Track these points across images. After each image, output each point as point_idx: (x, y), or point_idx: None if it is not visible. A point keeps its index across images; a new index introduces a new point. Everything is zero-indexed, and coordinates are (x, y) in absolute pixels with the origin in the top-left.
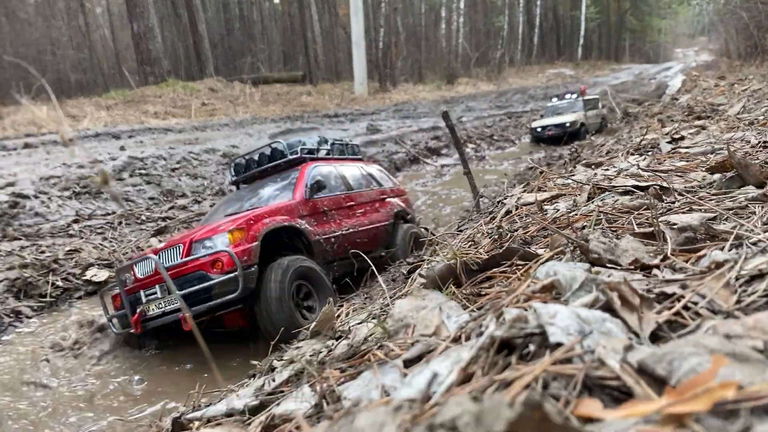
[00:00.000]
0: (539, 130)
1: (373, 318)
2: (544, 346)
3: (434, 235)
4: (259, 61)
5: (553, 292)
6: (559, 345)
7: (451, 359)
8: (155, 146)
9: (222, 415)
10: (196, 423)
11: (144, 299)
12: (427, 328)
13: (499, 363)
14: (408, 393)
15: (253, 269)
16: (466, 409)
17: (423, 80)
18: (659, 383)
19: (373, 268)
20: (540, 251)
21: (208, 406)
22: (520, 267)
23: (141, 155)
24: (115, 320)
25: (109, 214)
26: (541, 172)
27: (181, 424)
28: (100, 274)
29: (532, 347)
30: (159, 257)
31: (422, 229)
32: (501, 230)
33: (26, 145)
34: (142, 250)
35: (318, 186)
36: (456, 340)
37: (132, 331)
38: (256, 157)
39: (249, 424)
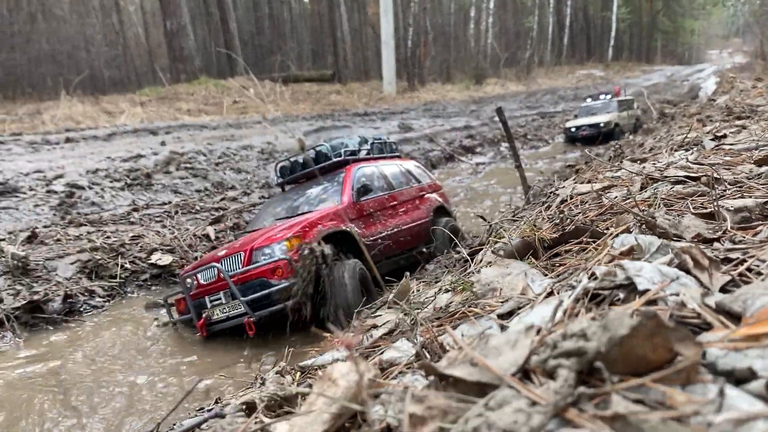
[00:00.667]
0: (573, 130)
1: (457, 285)
2: (631, 294)
3: (488, 222)
4: (288, 60)
5: (630, 257)
6: (645, 292)
7: (551, 306)
8: (193, 142)
9: (329, 364)
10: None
11: (209, 304)
12: (513, 290)
13: (593, 309)
14: (522, 326)
15: (311, 274)
16: (592, 323)
17: (451, 80)
18: (735, 319)
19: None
20: (606, 232)
21: (309, 359)
22: (591, 242)
23: (181, 150)
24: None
25: (165, 204)
26: (586, 163)
27: (302, 368)
28: (164, 258)
29: (621, 295)
30: (221, 264)
31: (459, 223)
32: (563, 215)
33: (68, 140)
34: (200, 237)
35: (364, 189)
36: (545, 298)
37: (197, 334)
38: (301, 160)
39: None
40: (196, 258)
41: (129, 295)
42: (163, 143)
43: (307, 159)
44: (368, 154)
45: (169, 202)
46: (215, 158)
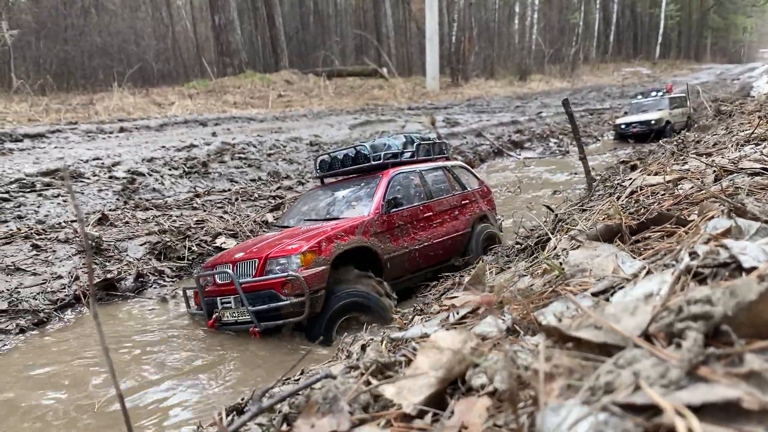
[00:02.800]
0: (624, 126)
1: (540, 266)
2: (735, 272)
3: (553, 211)
4: (332, 55)
5: (726, 239)
6: (751, 270)
7: (656, 281)
8: (243, 134)
9: (418, 337)
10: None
11: (220, 306)
12: (604, 271)
13: (691, 285)
14: (629, 298)
15: (320, 293)
16: (716, 289)
17: (494, 76)
18: None
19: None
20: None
21: (398, 332)
22: (676, 229)
23: (232, 141)
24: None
25: (225, 191)
26: (639, 159)
27: (393, 340)
28: (228, 242)
29: (726, 273)
30: (236, 269)
31: (498, 229)
32: (639, 203)
33: (122, 129)
34: (260, 223)
35: (395, 202)
36: (638, 276)
37: (209, 328)
38: (340, 157)
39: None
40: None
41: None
42: (214, 134)
43: (346, 157)
44: (413, 156)
45: (228, 190)
46: (266, 149)
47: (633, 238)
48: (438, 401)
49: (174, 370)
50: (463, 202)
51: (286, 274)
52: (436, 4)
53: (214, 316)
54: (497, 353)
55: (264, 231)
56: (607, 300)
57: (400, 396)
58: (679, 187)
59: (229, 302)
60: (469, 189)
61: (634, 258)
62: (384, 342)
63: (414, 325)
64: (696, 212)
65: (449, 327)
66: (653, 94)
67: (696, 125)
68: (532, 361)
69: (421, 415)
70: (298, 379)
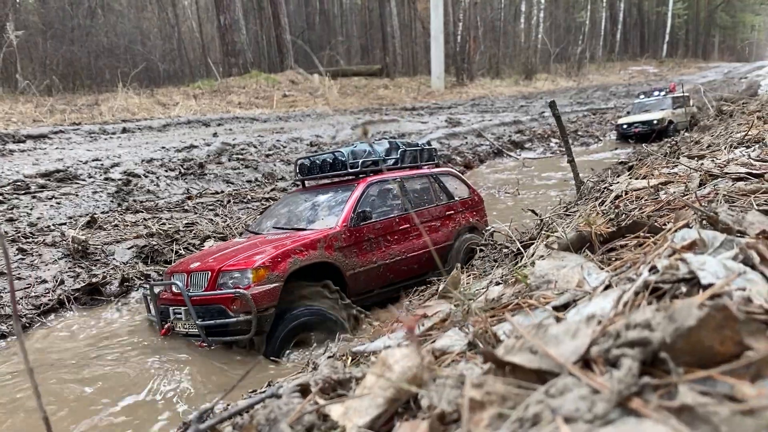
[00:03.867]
0: (625, 126)
1: (509, 277)
2: (694, 288)
3: (537, 215)
4: (337, 54)
5: (692, 252)
6: (709, 287)
7: (610, 299)
8: (244, 134)
9: (380, 350)
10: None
11: (172, 315)
12: (569, 283)
13: (653, 302)
14: (580, 317)
15: (270, 311)
16: (657, 313)
17: (500, 75)
18: None
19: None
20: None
21: (361, 345)
22: (649, 237)
23: (233, 141)
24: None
25: (217, 193)
26: (639, 159)
27: (354, 354)
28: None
29: (683, 289)
30: (190, 279)
31: (486, 240)
32: (618, 210)
33: (124, 130)
34: (248, 226)
35: (365, 215)
36: (603, 290)
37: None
38: (319, 162)
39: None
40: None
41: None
42: (215, 134)
43: (324, 162)
44: (396, 163)
45: (222, 192)
46: (265, 150)
47: (607, 246)
48: (386, 423)
49: (124, 381)
50: (447, 212)
51: (234, 290)
52: (442, 3)
53: (166, 325)
54: (449, 372)
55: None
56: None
57: (346, 417)
58: (662, 192)
59: (180, 313)
60: (456, 198)
61: (601, 269)
62: (345, 356)
63: (380, 338)
64: (674, 220)
65: (414, 340)
66: (656, 93)
67: (697, 125)
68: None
69: None
70: (254, 391)
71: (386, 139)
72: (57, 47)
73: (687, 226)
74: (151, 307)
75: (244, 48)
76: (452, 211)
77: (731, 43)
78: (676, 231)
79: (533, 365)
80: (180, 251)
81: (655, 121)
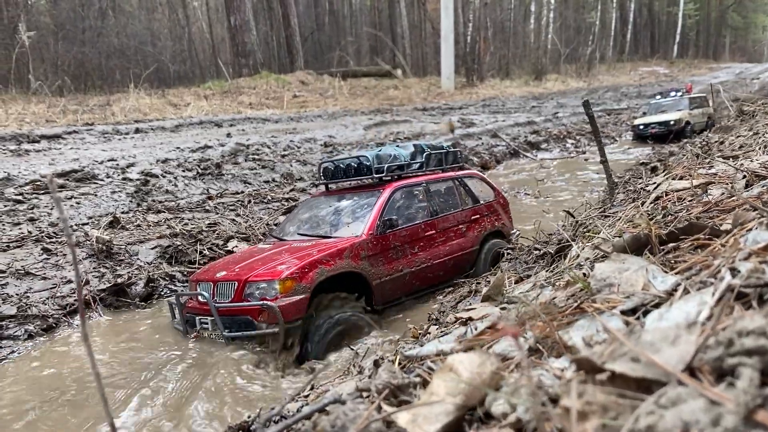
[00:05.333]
0: (642, 127)
1: (556, 284)
2: None
3: (573, 216)
4: (347, 55)
5: (767, 255)
6: None
7: (695, 302)
8: (257, 134)
9: (433, 354)
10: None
11: (198, 325)
12: (632, 287)
13: (736, 308)
14: (666, 324)
15: (298, 323)
16: None
17: (510, 76)
18: None
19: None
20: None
21: (412, 349)
22: (710, 240)
23: (247, 142)
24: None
25: (237, 193)
26: (659, 161)
27: (407, 357)
28: (240, 246)
29: None
30: (216, 288)
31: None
32: (665, 210)
33: (137, 130)
34: (273, 226)
35: (391, 223)
36: (672, 294)
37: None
38: (343, 166)
39: None
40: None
41: None
42: (228, 135)
43: (349, 167)
44: (421, 166)
45: (241, 192)
46: (280, 150)
47: (663, 249)
48: (456, 430)
49: (169, 385)
50: (473, 217)
51: (262, 302)
52: (452, 4)
53: (193, 335)
54: (519, 378)
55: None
56: (638, 319)
57: (415, 424)
58: (707, 193)
59: (207, 323)
60: (482, 202)
61: (666, 273)
62: (397, 360)
63: (429, 341)
64: (728, 221)
65: (467, 344)
66: (672, 94)
67: (717, 126)
68: (559, 391)
69: None
70: (308, 395)
71: (411, 142)
72: (68, 48)
73: (750, 228)
74: (177, 315)
75: (255, 49)
76: (478, 215)
77: (742, 43)
78: (746, 232)
79: (637, 374)
80: (204, 251)
81: (672, 122)
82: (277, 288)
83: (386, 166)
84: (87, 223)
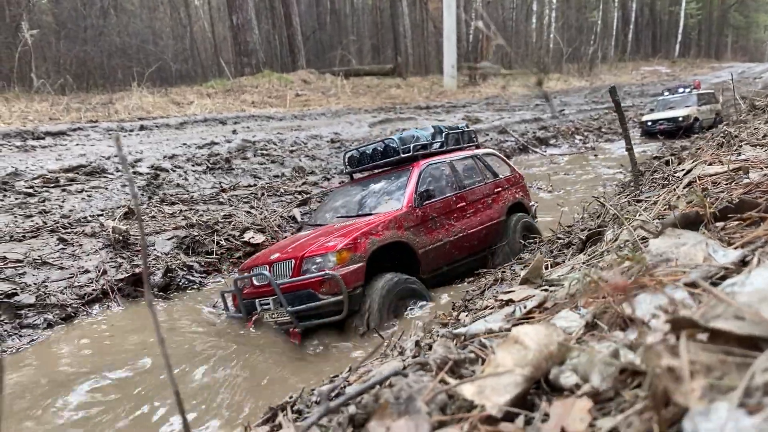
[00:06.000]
0: (650, 124)
1: (617, 256)
2: None
3: (604, 204)
4: (349, 54)
5: None
6: None
7: None
8: (263, 132)
9: (482, 333)
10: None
11: (258, 308)
12: (692, 260)
13: None
14: (751, 288)
15: (358, 291)
16: None
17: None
18: None
19: None
20: None
21: (460, 327)
22: (759, 219)
23: (253, 138)
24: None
25: (250, 186)
26: (672, 154)
27: (456, 335)
28: (257, 237)
29: None
30: (273, 269)
31: (533, 216)
32: (706, 192)
33: (142, 127)
34: (287, 218)
35: (427, 194)
36: (738, 266)
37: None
38: (369, 152)
39: None
40: (285, 238)
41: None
42: (234, 132)
43: (375, 151)
44: (442, 146)
45: (254, 185)
46: (288, 146)
47: (716, 226)
48: (523, 402)
49: (206, 366)
50: (495, 190)
51: (323, 273)
52: (454, 2)
53: (253, 318)
54: (588, 349)
55: (291, 227)
56: (704, 291)
57: (483, 396)
58: (747, 175)
59: (268, 303)
60: (501, 176)
61: (726, 247)
62: (447, 338)
63: (475, 321)
64: None
65: (516, 322)
66: (680, 90)
67: (727, 121)
68: (638, 359)
69: (508, 417)
70: (347, 377)
71: (430, 124)
72: (70, 47)
73: None
74: (229, 303)
75: (257, 48)
76: (500, 189)
77: (744, 43)
78: None
79: (743, 331)
80: (221, 242)
81: (680, 118)
82: (333, 260)
83: (411, 145)
84: (101, 215)
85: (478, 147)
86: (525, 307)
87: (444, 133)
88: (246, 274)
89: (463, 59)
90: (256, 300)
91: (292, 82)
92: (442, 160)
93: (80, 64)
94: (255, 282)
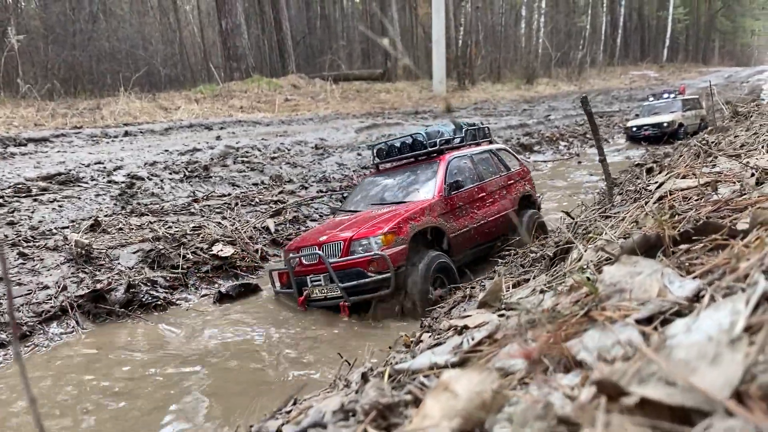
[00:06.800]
0: (635, 129)
1: (558, 288)
2: None
3: (572, 217)
4: (339, 59)
5: None
6: None
7: (726, 311)
8: (248, 137)
9: (426, 368)
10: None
11: (309, 284)
12: (646, 293)
13: None
14: (696, 338)
15: (402, 269)
16: None
17: (501, 79)
18: None
19: None
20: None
21: (403, 362)
22: (727, 241)
23: (236, 145)
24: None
25: (224, 196)
26: (655, 162)
27: (397, 371)
28: (226, 250)
29: None
30: (322, 250)
31: (538, 207)
32: (673, 210)
33: (126, 133)
34: (260, 229)
35: (456, 185)
36: (692, 302)
37: (298, 307)
38: (397, 145)
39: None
40: (256, 251)
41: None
42: (218, 138)
43: (403, 145)
44: (462, 141)
45: (229, 194)
46: (270, 153)
47: (676, 250)
48: None
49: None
50: (509, 182)
51: (372, 253)
52: (443, 8)
53: (304, 293)
54: (525, 397)
55: (264, 238)
56: (656, 329)
57: None
58: (717, 191)
59: (319, 280)
60: (512, 170)
61: (684, 277)
62: (387, 373)
63: (422, 353)
64: (744, 221)
65: (463, 356)
66: (665, 96)
67: (711, 127)
68: (573, 416)
69: None
70: (290, 411)
71: (451, 121)
72: (59, 51)
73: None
74: (277, 283)
75: (246, 53)
76: (512, 181)
77: (731, 47)
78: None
79: (674, 400)
80: (188, 255)
81: (665, 124)
82: (380, 242)
83: (438, 140)
84: (68, 227)
85: (491, 142)
86: (473, 339)
87: (464, 129)
88: (294, 254)
89: (452, 64)
90: (308, 277)
91: (282, 86)
92: (464, 154)
93: (68, 69)
94: (304, 261)
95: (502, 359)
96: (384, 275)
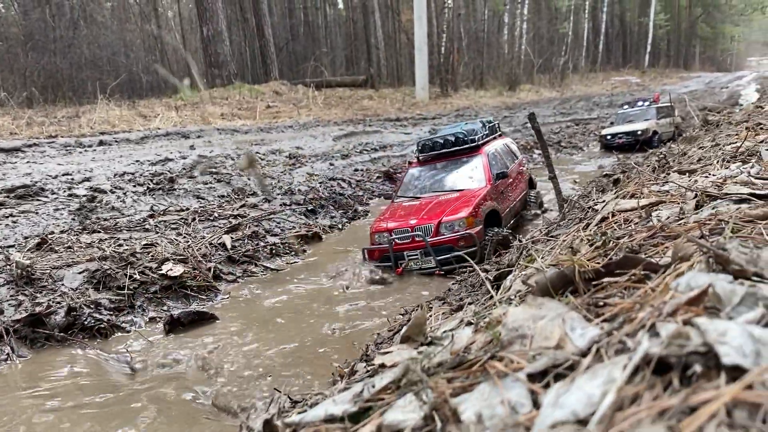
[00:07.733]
0: (609, 137)
1: (479, 324)
2: (711, 366)
3: (520, 240)
4: (322, 66)
5: (700, 305)
6: (735, 368)
7: (601, 379)
8: (222, 146)
9: (320, 420)
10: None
11: (406, 258)
12: (547, 340)
13: (657, 386)
14: (561, 415)
15: (480, 244)
16: None
17: (484, 86)
18: None
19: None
20: (659, 261)
21: (304, 411)
22: (645, 277)
23: (209, 154)
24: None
25: (183, 210)
26: (623, 172)
27: (272, 426)
28: (175, 269)
29: (698, 368)
30: (416, 231)
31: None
32: (605, 237)
33: (101, 143)
34: (216, 245)
35: (502, 174)
36: (586, 355)
37: (394, 273)
38: (441, 141)
39: None
40: (209, 269)
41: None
42: (192, 147)
43: (446, 140)
44: (487, 136)
45: (188, 208)
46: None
47: (597, 284)
48: None
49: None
50: (520, 167)
51: (464, 231)
52: (425, 14)
53: (402, 265)
54: None
55: (220, 254)
56: (546, 386)
57: None
58: (655, 214)
59: (416, 255)
60: (519, 157)
61: (590, 321)
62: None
63: (323, 401)
64: (670, 253)
65: (362, 406)
66: (639, 103)
67: (682, 136)
68: None
69: None
70: None
71: (478, 118)
72: (38, 59)
73: (690, 266)
74: (367, 258)
75: (228, 59)
76: (522, 167)
77: (712, 53)
78: (678, 275)
79: None
80: (135, 275)
81: (639, 132)
82: (463, 223)
83: (477, 136)
84: (13, 246)
85: (502, 136)
86: (374, 387)
87: (489, 125)
88: (372, 237)
89: (435, 71)
90: (405, 253)
91: (264, 93)
92: (494, 147)
93: (48, 76)
94: (397, 239)
95: (395, 414)
96: (472, 248)
